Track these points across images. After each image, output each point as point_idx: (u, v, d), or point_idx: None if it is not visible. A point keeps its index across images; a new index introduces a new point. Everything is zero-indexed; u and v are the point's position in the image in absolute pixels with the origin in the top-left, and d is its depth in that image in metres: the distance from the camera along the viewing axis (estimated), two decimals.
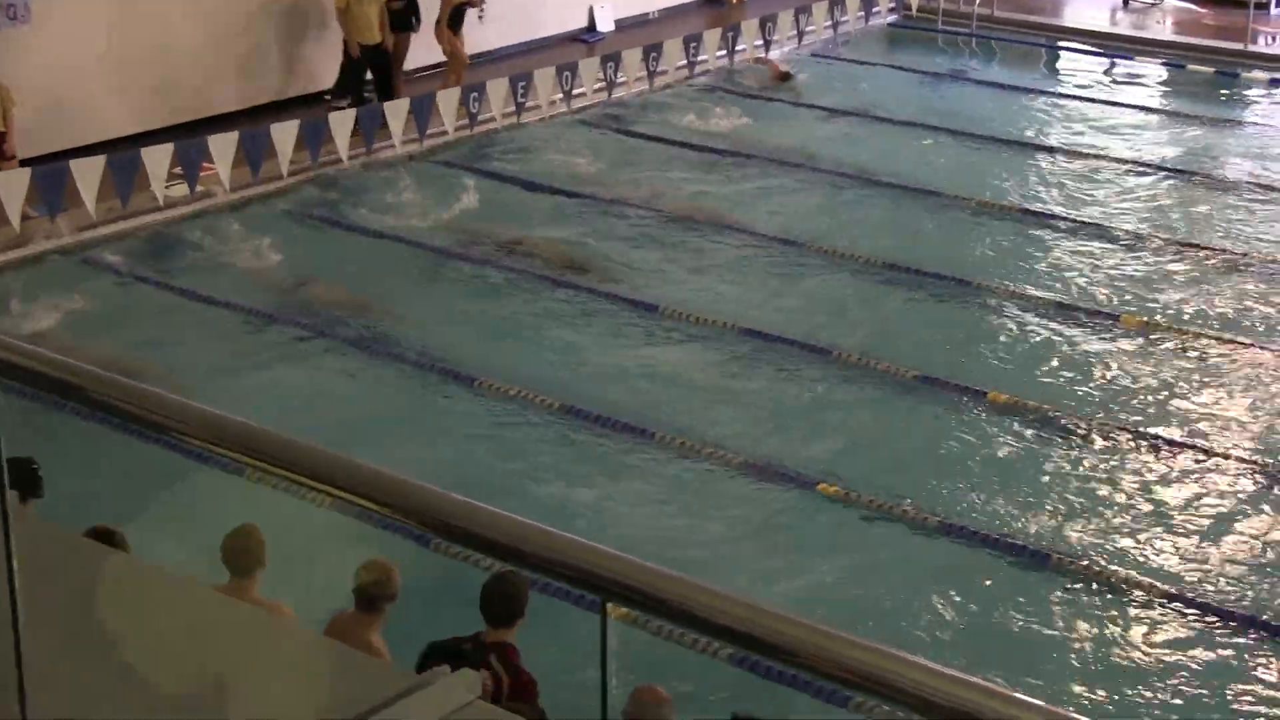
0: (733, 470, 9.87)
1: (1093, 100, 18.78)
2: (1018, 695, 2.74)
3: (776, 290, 12.78)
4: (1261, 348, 11.69)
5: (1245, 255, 13.49)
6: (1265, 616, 8.41)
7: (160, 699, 3.46)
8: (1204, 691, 7.86)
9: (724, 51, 19.12)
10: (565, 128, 16.90)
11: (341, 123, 14.86)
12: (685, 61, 18.54)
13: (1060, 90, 19.42)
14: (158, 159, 13.39)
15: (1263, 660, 8.14)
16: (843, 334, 11.81)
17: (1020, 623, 8.42)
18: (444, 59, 17.42)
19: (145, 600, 3.99)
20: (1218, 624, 8.37)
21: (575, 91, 17.20)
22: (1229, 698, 7.80)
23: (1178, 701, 7.77)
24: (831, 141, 16.73)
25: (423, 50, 17.17)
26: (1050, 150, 16.61)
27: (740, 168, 15.82)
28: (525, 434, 10.33)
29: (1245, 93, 19.55)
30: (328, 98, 16.49)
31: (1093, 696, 7.79)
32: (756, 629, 2.86)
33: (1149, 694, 7.83)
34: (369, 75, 16.52)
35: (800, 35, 20.21)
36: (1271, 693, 7.87)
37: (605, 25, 20.58)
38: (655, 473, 9.92)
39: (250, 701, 3.57)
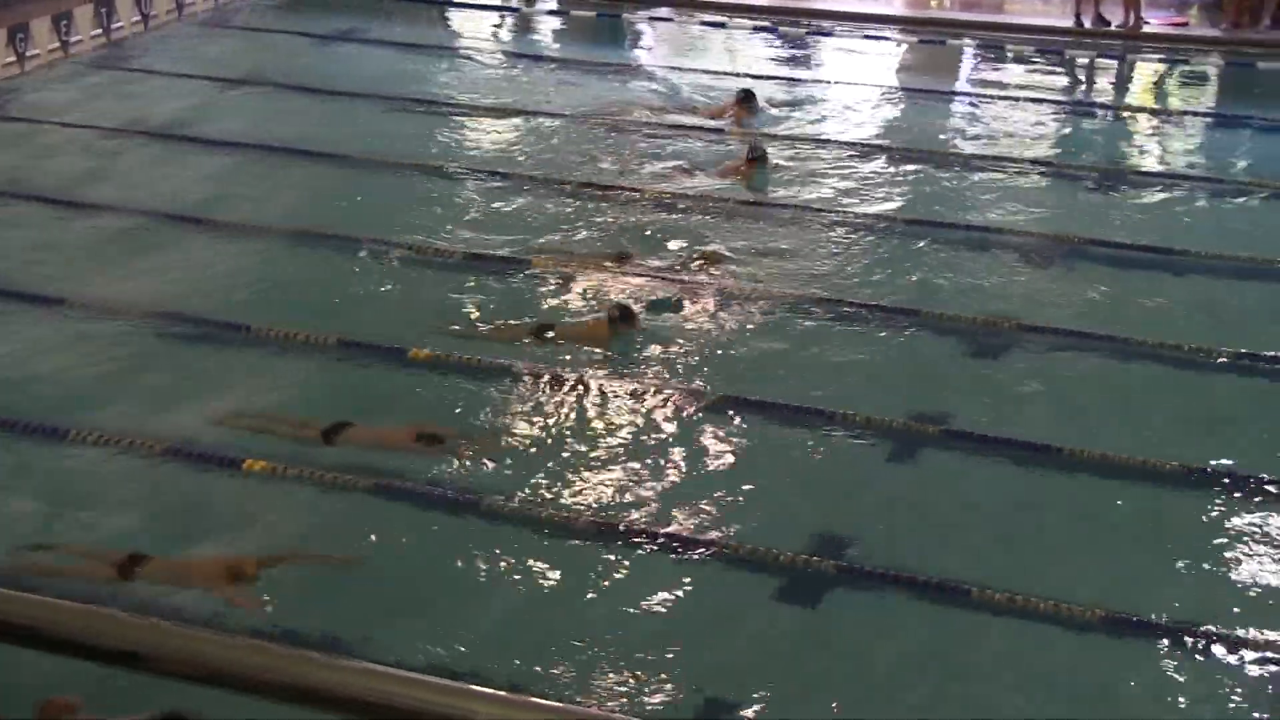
0: (157, 457, 9.40)
1: (485, 52, 19.13)
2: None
3: (183, 267, 12.26)
4: (664, 276, 12.16)
5: (640, 191, 13.98)
6: (701, 534, 8.72)
7: None
8: (642, 614, 8.07)
9: (110, 25, 18.23)
10: None
11: None
12: (58, 43, 17.50)
13: (453, 45, 19.64)
14: None
15: (693, 575, 8.44)
16: (258, 307, 11.47)
17: (445, 570, 8.42)
18: None
19: None
20: (650, 546, 8.62)
21: None
22: (673, 618, 8.01)
23: (619, 633, 7.92)
24: (226, 112, 16.24)
25: None
26: (447, 104, 16.70)
27: (134, 145, 15.11)
28: None
29: (629, 35, 20.42)
30: None
31: (526, 639, 7.88)
32: (73, 631, 2.58)
33: (583, 630, 7.96)
34: None
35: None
36: (707, 604, 8.18)
37: None
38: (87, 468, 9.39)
39: None
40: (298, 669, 2.45)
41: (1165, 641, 7.78)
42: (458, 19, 21.22)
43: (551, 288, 11.94)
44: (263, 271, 12.30)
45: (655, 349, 10.94)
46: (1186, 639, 7.77)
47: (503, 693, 2.68)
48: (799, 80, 17.98)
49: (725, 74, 18.05)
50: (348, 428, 9.64)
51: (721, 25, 20.63)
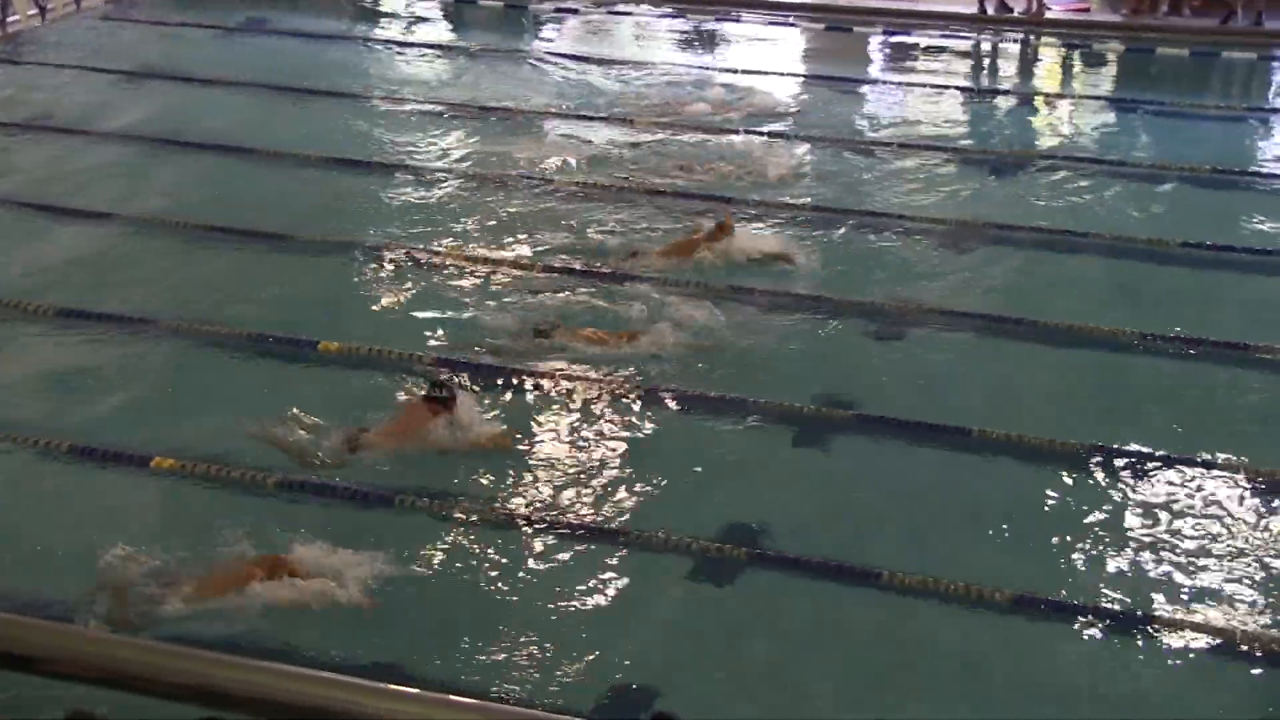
0: (68, 457, 9.25)
1: (393, 43, 18.98)
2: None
3: (110, 267, 12.11)
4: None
5: (531, 178, 13.96)
6: (611, 524, 8.70)
7: None
8: (553, 606, 8.02)
9: (7, 18, 17.93)
10: None
11: None
12: None
13: (358, 35, 19.48)
14: None
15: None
16: (169, 303, 11.33)
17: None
18: None
19: None
20: (558, 537, 8.58)
21: None
22: (585, 609, 7.98)
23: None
24: (137, 105, 16.03)
25: None
26: (354, 96, 16.53)
27: (36, 141, 14.87)
28: None
29: (533, 24, 20.36)
30: None
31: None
32: None
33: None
34: None
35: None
36: (619, 595, 8.15)
37: None
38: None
39: None
40: (201, 669, 2.41)
41: (1080, 622, 7.86)
42: (364, 7, 21.04)
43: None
44: (173, 268, 12.13)
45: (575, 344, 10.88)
46: (1102, 620, 7.86)
47: (414, 690, 2.65)
48: (706, 69, 17.99)
49: (637, 64, 18.05)
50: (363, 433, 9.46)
51: (628, 14, 20.61)
